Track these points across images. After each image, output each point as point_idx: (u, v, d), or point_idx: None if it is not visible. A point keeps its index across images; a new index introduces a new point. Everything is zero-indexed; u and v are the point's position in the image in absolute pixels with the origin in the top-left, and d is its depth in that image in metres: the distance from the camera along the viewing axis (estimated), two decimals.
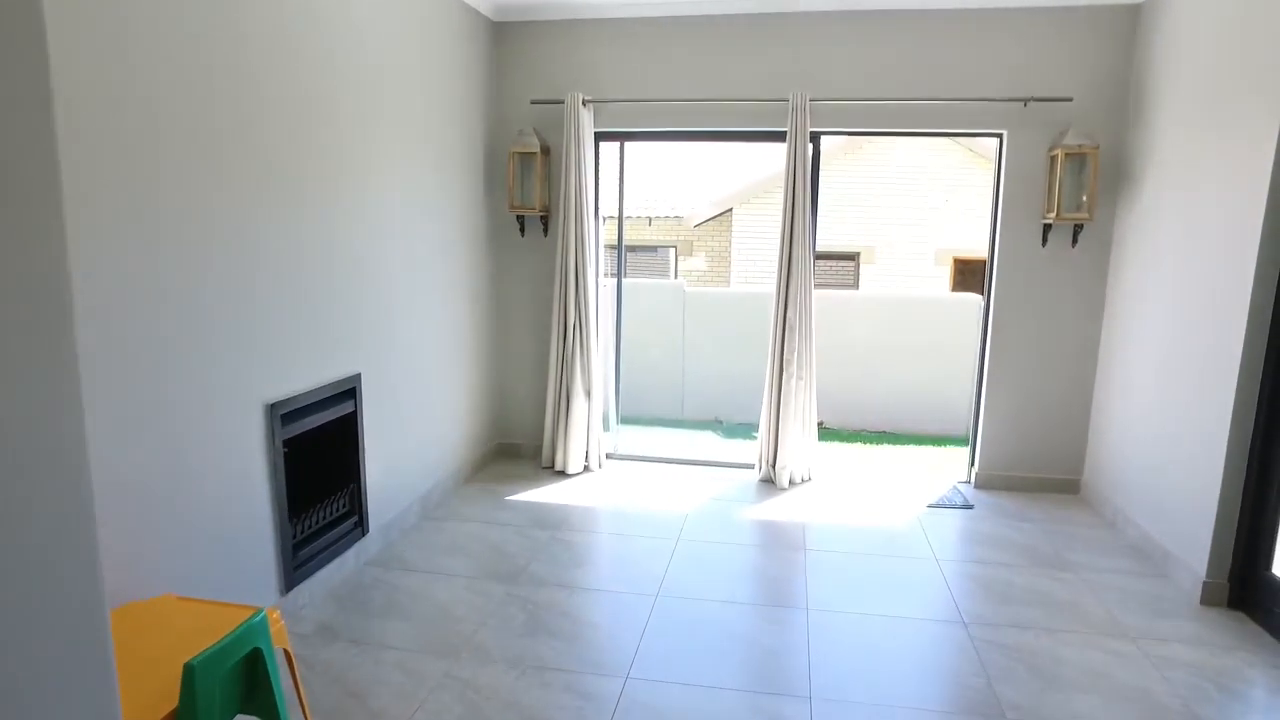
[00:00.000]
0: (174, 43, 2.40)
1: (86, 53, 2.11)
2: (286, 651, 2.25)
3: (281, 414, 3.02)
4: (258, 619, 1.96)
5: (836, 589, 3.51)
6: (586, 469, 5.09)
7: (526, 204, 4.96)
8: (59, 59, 2.02)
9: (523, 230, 5.12)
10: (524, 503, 4.51)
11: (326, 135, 3.23)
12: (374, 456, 3.72)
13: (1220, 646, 3.06)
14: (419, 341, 4.15)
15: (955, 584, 3.58)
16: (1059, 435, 4.77)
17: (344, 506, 3.57)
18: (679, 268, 13.13)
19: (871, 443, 6.88)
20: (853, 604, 3.38)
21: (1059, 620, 3.24)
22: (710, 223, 12.86)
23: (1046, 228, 4.56)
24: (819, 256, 4.97)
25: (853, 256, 12.25)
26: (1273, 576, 3.18)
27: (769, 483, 4.91)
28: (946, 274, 12.08)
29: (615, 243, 5.61)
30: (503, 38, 4.95)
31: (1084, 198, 4.38)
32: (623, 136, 5.09)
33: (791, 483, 4.87)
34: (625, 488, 4.83)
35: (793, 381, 4.76)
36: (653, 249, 13.32)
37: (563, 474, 5.01)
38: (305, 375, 3.17)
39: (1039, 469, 4.82)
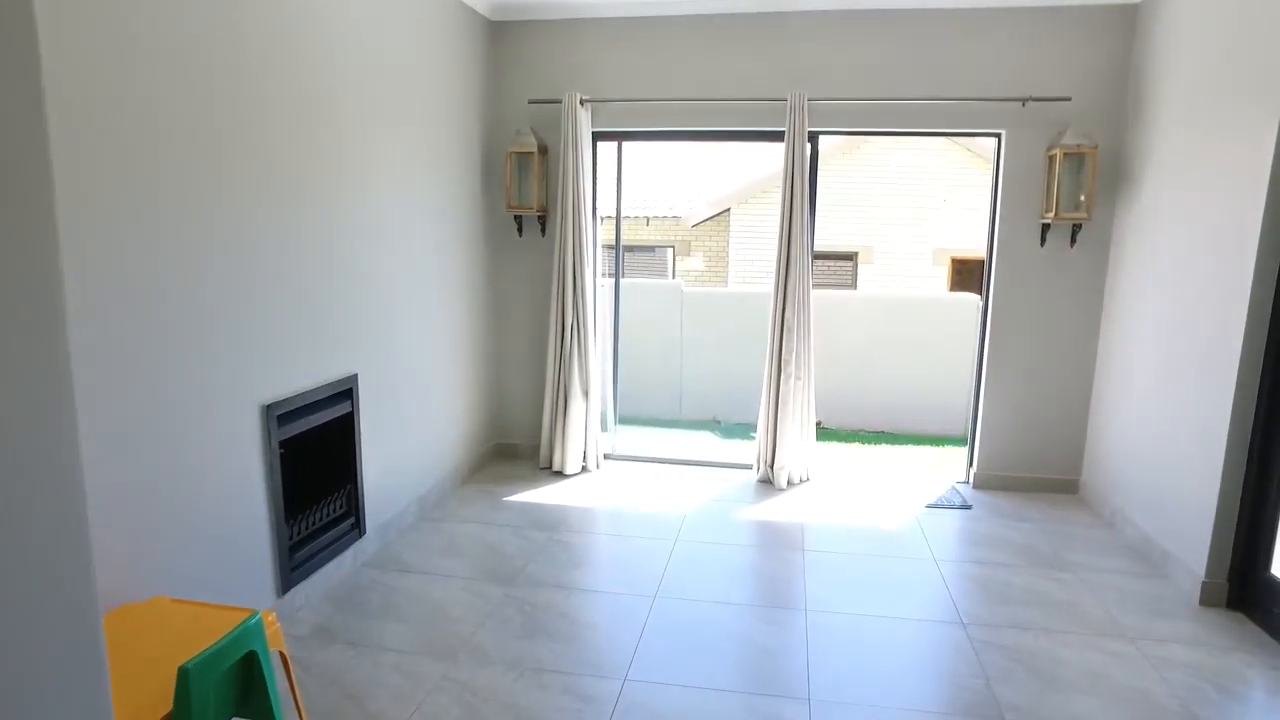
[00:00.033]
0: (172, 42, 2.39)
1: (85, 52, 2.10)
2: (282, 654, 2.24)
3: (278, 414, 3.00)
4: (253, 621, 1.95)
5: (835, 590, 3.50)
6: (584, 469, 5.08)
7: (524, 204, 4.95)
8: (59, 59, 2.02)
9: (520, 230, 5.11)
10: (522, 503, 4.50)
11: (324, 135, 3.22)
12: (371, 457, 3.71)
13: (1219, 647, 3.05)
14: (416, 342, 4.14)
15: (954, 584, 3.57)
16: (1057, 435, 4.77)
17: (341, 507, 3.56)
18: (677, 268, 13.12)
19: (869, 443, 6.88)
20: (851, 605, 3.37)
21: (1058, 621, 3.24)
22: (708, 223, 12.85)
23: (1045, 227, 4.56)
24: (817, 256, 4.96)
25: (850, 256, 12.25)
26: (1271, 577, 3.18)
27: (767, 483, 4.90)
28: (944, 274, 12.09)
29: (613, 242, 5.60)
30: (500, 37, 4.93)
31: (1082, 197, 4.37)
32: (620, 136, 5.08)
33: (790, 483, 4.87)
34: (623, 488, 4.82)
35: (791, 382, 4.75)
36: (650, 249, 13.31)
37: (560, 474, 5.00)
38: (302, 376, 3.16)
39: (1037, 469, 4.82)
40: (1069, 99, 4.36)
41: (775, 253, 4.73)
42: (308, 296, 3.16)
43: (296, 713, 2.32)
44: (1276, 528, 3.17)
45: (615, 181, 5.23)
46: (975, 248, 11.32)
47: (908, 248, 12.09)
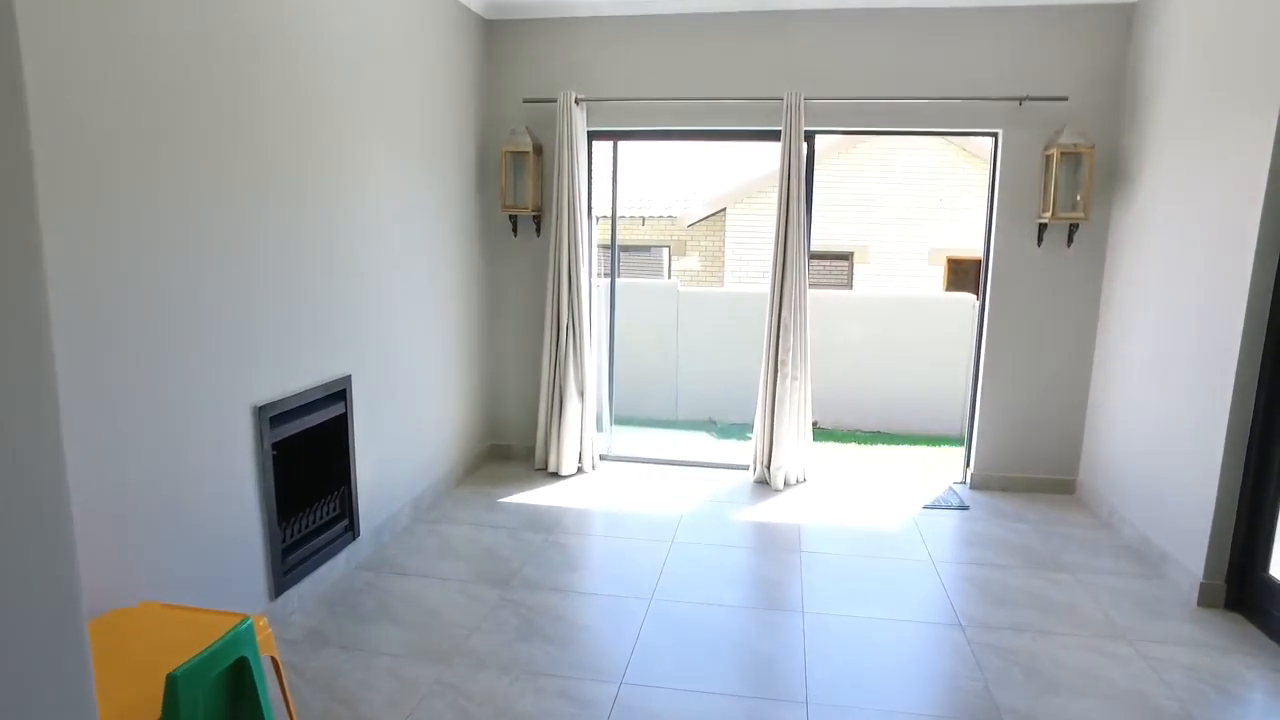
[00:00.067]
0: (169, 40, 2.36)
1: (79, 51, 2.07)
2: (274, 659, 2.21)
3: (270, 416, 2.97)
4: (243, 627, 1.92)
5: (832, 592, 3.48)
6: (580, 470, 5.05)
7: (519, 203, 4.92)
8: (52, 59, 1.99)
9: (515, 230, 5.08)
10: (517, 505, 4.47)
11: (317, 135, 3.19)
12: (365, 459, 3.68)
13: (1218, 649, 3.04)
14: (410, 342, 4.11)
15: (951, 586, 3.56)
16: (1054, 435, 4.75)
17: (334, 509, 3.53)
18: (673, 268, 13.09)
19: (866, 443, 6.87)
20: (849, 607, 3.35)
21: (1056, 622, 3.22)
22: (704, 222, 12.83)
23: (1042, 227, 4.55)
24: (813, 256, 4.94)
25: (846, 256, 12.24)
26: (1270, 578, 3.17)
27: (764, 484, 4.88)
28: (940, 273, 12.09)
29: (608, 242, 5.57)
30: (495, 36, 4.90)
31: (1079, 197, 4.36)
32: (616, 136, 5.05)
33: (786, 484, 4.85)
34: (619, 489, 4.79)
35: (787, 382, 4.73)
36: (646, 249, 13.28)
37: (556, 475, 4.98)
38: (295, 377, 3.13)
39: (1034, 469, 4.81)
40: (1066, 98, 4.35)
41: (771, 252, 4.70)
42: (301, 297, 3.13)
43: (288, 719, 2.29)
44: (1275, 528, 3.16)
45: (611, 181, 5.21)
46: (971, 247, 11.32)
47: (903, 247, 12.08)
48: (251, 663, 1.94)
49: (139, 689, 1.81)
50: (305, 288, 3.17)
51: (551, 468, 5.00)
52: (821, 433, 6.79)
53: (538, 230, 5.06)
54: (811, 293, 4.81)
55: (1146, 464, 3.93)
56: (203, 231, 2.58)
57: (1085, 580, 3.61)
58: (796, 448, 4.85)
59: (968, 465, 4.96)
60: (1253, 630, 3.17)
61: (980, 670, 2.86)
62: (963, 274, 11.79)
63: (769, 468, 4.85)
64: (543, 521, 4.23)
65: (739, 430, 7.01)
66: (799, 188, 4.58)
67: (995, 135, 4.60)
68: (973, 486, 4.88)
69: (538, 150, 4.85)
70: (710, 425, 7.37)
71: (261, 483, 2.95)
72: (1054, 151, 4.31)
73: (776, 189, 4.65)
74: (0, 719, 0.97)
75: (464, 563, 3.70)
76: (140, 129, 2.30)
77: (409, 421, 4.14)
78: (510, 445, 5.32)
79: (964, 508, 4.55)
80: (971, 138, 8.87)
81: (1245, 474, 3.26)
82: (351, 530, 3.59)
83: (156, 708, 1.72)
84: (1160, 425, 3.82)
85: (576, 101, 4.70)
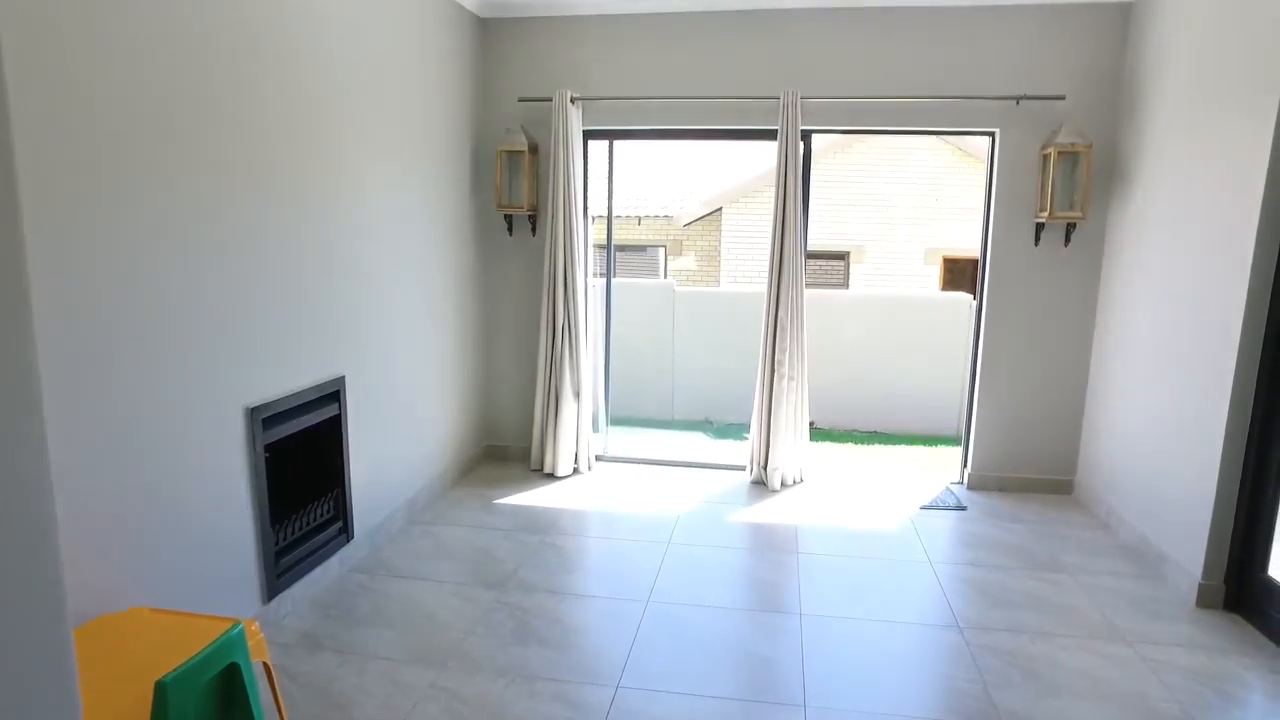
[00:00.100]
0: (162, 37, 2.33)
1: (70, 53, 2.04)
2: (266, 665, 2.18)
3: (263, 418, 2.94)
4: (234, 632, 1.90)
5: (830, 593, 3.46)
6: (576, 471, 5.03)
7: (514, 203, 4.90)
8: (42, 61, 1.95)
9: (511, 229, 5.05)
10: (512, 506, 4.45)
11: (311, 133, 3.16)
12: (359, 460, 3.65)
13: (1217, 650, 3.03)
14: (405, 343, 4.08)
15: (949, 587, 3.54)
16: (1051, 435, 4.74)
17: (328, 512, 3.50)
18: (669, 267, 13.07)
19: (862, 443, 6.85)
20: (846, 609, 3.33)
21: (1054, 624, 3.20)
22: (700, 222, 12.81)
23: (1039, 227, 4.53)
24: (809, 256, 4.92)
25: (842, 256, 12.23)
26: (1269, 579, 3.15)
27: (760, 484, 4.86)
28: (936, 273, 12.08)
29: (604, 242, 5.55)
30: (490, 34, 4.88)
31: (1077, 196, 4.35)
32: (612, 135, 5.03)
33: (783, 484, 4.83)
34: (615, 490, 4.77)
35: (784, 382, 4.71)
36: (642, 248, 13.25)
37: (552, 477, 4.95)
38: (287, 378, 3.10)
39: (1032, 469, 4.79)
40: (1063, 97, 4.33)
41: (768, 252, 4.68)
42: (294, 297, 3.10)
43: None
44: (1274, 528, 3.15)
45: (606, 180, 5.18)
46: (967, 247, 11.32)
47: (899, 247, 12.07)
48: (243, 669, 1.91)
49: (127, 696, 1.78)
50: (298, 287, 3.14)
51: (547, 469, 4.98)
52: (818, 433, 6.77)
53: (533, 230, 5.03)
54: (808, 292, 4.79)
55: (1144, 464, 3.92)
56: (194, 231, 2.55)
57: (1083, 581, 3.60)
58: (793, 448, 4.83)
59: (965, 465, 4.95)
60: (1251, 631, 3.16)
61: (979, 672, 2.85)
62: (959, 273, 11.78)
63: (766, 468, 4.83)
64: (538, 523, 4.20)
65: (735, 430, 6.99)
66: (796, 187, 4.56)
67: (992, 135, 4.59)
68: (970, 487, 4.86)
69: (533, 149, 4.82)
70: (706, 425, 7.35)
71: (254, 485, 2.92)
72: (1051, 151, 4.29)
73: (773, 189, 4.63)
74: None
75: (459, 565, 3.67)
76: (134, 130, 2.26)
77: (404, 422, 4.11)
78: (506, 446, 5.29)
79: (961, 508, 4.54)
80: (968, 137, 8.86)
81: (1244, 473, 3.25)
82: (346, 532, 3.56)
83: (145, 715, 1.69)
84: (1158, 425, 3.81)
85: (572, 100, 4.68)
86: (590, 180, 5.05)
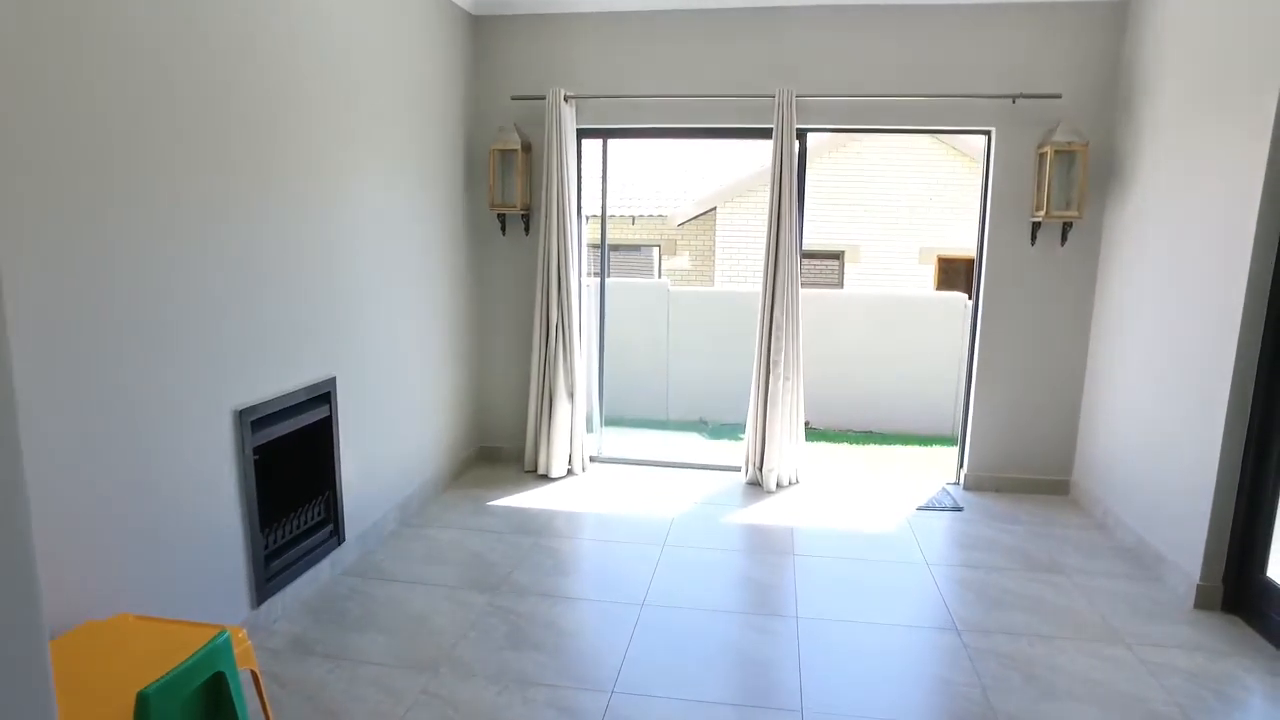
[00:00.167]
0: (143, 36, 2.28)
1: (58, 53, 1.99)
2: (254, 673, 2.14)
3: (252, 420, 2.90)
4: (220, 640, 1.85)
5: (827, 596, 3.43)
6: (570, 473, 4.99)
7: (508, 202, 4.86)
8: (32, 60, 1.91)
9: (504, 229, 5.01)
10: (506, 508, 4.41)
11: (299, 131, 3.11)
12: (350, 462, 3.60)
13: (1216, 652, 3.00)
14: (397, 344, 4.03)
15: (947, 589, 3.51)
16: (1048, 436, 4.72)
17: (319, 515, 3.45)
18: (663, 267, 13.03)
19: (858, 443, 6.83)
20: (843, 611, 3.30)
21: (1053, 626, 3.18)
22: (694, 221, 12.77)
23: (1035, 226, 4.51)
24: (804, 255, 4.89)
25: (837, 255, 12.21)
26: (1268, 580, 3.14)
27: (756, 485, 4.83)
28: (930, 272, 12.07)
29: (598, 242, 5.51)
30: (483, 32, 4.83)
31: (1073, 195, 4.33)
32: (605, 134, 4.99)
33: (779, 485, 4.80)
34: (609, 492, 4.73)
35: (780, 382, 4.68)
36: (636, 248, 13.21)
37: (546, 478, 4.91)
38: (278, 379, 3.06)
39: (1028, 470, 4.77)
40: (1059, 96, 4.31)
41: (763, 251, 4.65)
42: (284, 298, 3.06)
43: None
44: (1273, 528, 3.13)
45: (600, 179, 5.14)
46: (962, 246, 11.31)
47: (894, 246, 12.06)
48: (229, 678, 1.87)
49: (109, 707, 1.74)
50: (288, 288, 3.09)
51: (541, 470, 4.94)
52: (813, 433, 6.74)
53: (526, 229, 4.99)
54: (803, 292, 4.76)
55: (1141, 464, 3.90)
56: (183, 231, 2.51)
57: (1081, 583, 3.58)
58: (789, 449, 4.80)
59: (961, 466, 4.92)
60: (1250, 633, 3.14)
61: (977, 676, 2.82)
62: (953, 273, 11.78)
63: (761, 469, 4.80)
64: (532, 525, 4.16)
65: (730, 430, 6.96)
66: (791, 186, 4.53)
67: (988, 133, 4.57)
68: (966, 487, 4.84)
69: (526, 148, 4.78)
70: (701, 426, 7.32)
71: (243, 488, 2.87)
72: (1047, 149, 4.27)
73: (768, 188, 4.60)
74: None
75: (452, 568, 3.63)
76: (107, 127, 2.22)
77: (395, 424, 4.06)
78: (499, 447, 5.25)
79: (958, 509, 4.51)
80: (964, 136, 8.85)
81: (1242, 474, 3.23)
82: (336, 535, 3.52)
83: None
84: (1156, 425, 3.79)
85: (566, 99, 4.64)
86: (584, 179, 5.01)
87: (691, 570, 3.68)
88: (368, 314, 3.72)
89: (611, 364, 5.65)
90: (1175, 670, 2.88)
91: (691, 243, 12.88)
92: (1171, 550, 3.56)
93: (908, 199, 11.82)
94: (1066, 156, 4.30)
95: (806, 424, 5.02)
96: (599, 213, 5.31)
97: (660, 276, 12.88)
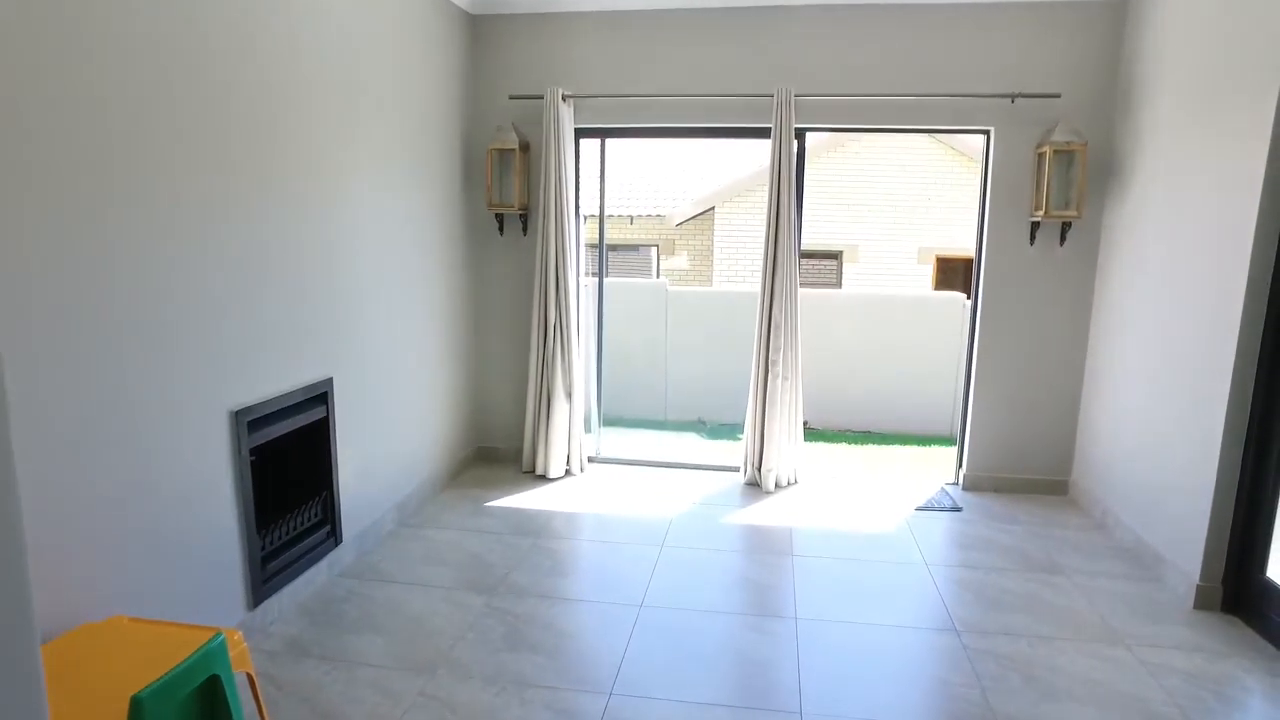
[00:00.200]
0: (140, 33, 2.27)
1: (51, 53, 1.98)
2: (249, 675, 2.12)
3: (248, 420, 2.88)
4: (215, 643, 1.84)
5: (826, 597, 3.42)
6: (568, 473, 4.98)
7: (505, 202, 4.84)
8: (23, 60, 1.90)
9: (502, 229, 5.00)
10: (504, 509, 4.39)
11: (296, 130, 3.10)
12: (347, 463, 3.59)
13: (1216, 653, 3.00)
14: (394, 344, 4.02)
15: (946, 590, 3.50)
16: (1047, 436, 4.72)
17: (316, 515, 3.44)
18: (661, 267, 13.02)
19: (856, 443, 6.82)
20: (842, 612, 3.29)
21: (1052, 627, 3.17)
22: (692, 221, 12.76)
23: (1034, 225, 4.50)
24: (802, 255, 4.88)
25: (835, 255, 12.20)
26: (1268, 580, 3.13)
27: (754, 486, 4.82)
28: (929, 272, 12.07)
29: (596, 241, 5.50)
30: (481, 31, 4.82)
31: (1072, 195, 4.32)
32: (604, 133, 4.98)
33: (778, 485, 4.79)
34: (608, 492, 4.72)
35: (778, 382, 4.67)
36: (634, 248, 13.20)
37: (544, 478, 4.90)
38: (274, 380, 3.04)
39: (1027, 470, 4.77)
40: (1058, 95, 4.30)
41: (762, 251, 4.64)
42: (277, 298, 3.04)
43: None
44: (1272, 529, 3.12)
45: (599, 179, 5.13)
46: (960, 246, 11.31)
47: (892, 246, 12.05)
48: (224, 681, 1.86)
49: (103, 711, 1.72)
50: (285, 288, 3.08)
51: (539, 470, 4.92)
52: (811, 433, 6.74)
53: (524, 229, 4.98)
54: (802, 292, 4.75)
55: (1140, 464, 3.89)
56: (177, 230, 2.49)
57: (1080, 583, 3.57)
58: (788, 449, 4.79)
59: (960, 466, 4.92)
60: (1250, 634, 3.13)
61: (977, 677, 2.81)
62: (951, 273, 11.77)
63: (760, 469, 4.79)
64: (530, 526, 4.15)
65: (729, 431, 6.95)
66: (789, 186, 4.52)
67: (987, 133, 4.56)
68: (965, 488, 4.83)
69: (524, 148, 4.77)
70: (700, 426, 7.31)
71: (239, 489, 2.86)
72: (1046, 149, 4.26)
73: (766, 187, 4.59)
74: None
75: (449, 569, 3.62)
76: (100, 126, 2.20)
77: (393, 424, 4.05)
78: (497, 448, 5.24)
79: (957, 509, 4.50)
80: (962, 136, 8.85)
81: (1242, 473, 3.22)
82: (334, 536, 3.51)
83: None
84: (1155, 424, 3.78)
85: (564, 98, 4.62)
86: (582, 179, 5.00)
87: (690, 571, 3.67)
88: (365, 314, 3.70)
89: (610, 364, 5.64)
90: (1175, 671, 2.87)
91: (690, 242, 12.88)
92: (1171, 550, 3.55)
93: (906, 199, 11.82)
94: (1065, 156, 4.29)
95: (805, 424, 5.01)
96: (597, 212, 5.30)
97: (659, 276, 12.87)
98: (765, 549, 3.94)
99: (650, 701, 2.64)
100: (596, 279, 5.46)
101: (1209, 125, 3.44)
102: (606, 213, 5.27)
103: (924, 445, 6.71)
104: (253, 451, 2.94)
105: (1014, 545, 3.98)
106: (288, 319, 3.10)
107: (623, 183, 12.72)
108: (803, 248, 4.85)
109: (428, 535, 3.99)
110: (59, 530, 2.11)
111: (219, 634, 1.89)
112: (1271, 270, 3.07)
